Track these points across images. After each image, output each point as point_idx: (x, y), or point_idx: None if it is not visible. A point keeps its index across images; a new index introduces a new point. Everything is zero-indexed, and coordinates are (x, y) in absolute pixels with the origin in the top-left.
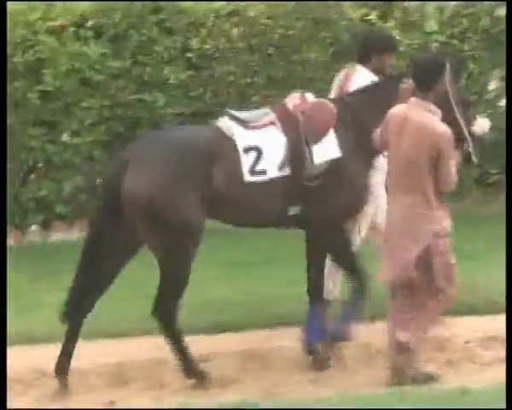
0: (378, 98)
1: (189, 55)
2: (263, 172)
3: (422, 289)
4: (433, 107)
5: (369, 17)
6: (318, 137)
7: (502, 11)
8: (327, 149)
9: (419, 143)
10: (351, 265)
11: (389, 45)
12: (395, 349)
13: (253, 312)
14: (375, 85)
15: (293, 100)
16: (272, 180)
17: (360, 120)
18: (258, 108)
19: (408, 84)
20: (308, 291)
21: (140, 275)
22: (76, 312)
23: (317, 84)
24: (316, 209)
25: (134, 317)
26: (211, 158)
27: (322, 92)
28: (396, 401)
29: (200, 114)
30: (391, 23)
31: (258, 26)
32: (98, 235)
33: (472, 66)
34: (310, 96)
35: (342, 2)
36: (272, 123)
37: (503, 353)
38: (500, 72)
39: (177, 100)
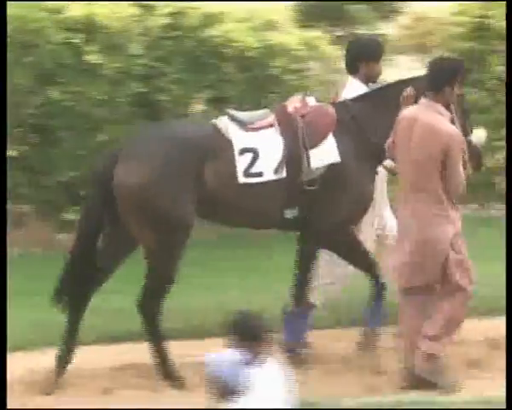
0: (379, 104)
1: None
2: (258, 174)
3: (442, 292)
4: (442, 109)
5: (73, 41)
6: (317, 142)
7: (207, 32)
8: (325, 154)
9: (428, 144)
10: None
11: (375, 52)
12: (421, 358)
13: None
14: (378, 90)
15: (293, 103)
16: (268, 182)
17: (361, 125)
18: None
19: (410, 91)
20: (293, 295)
21: None
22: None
23: (22, 109)
24: (315, 213)
25: None
26: (205, 155)
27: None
28: None
29: None
30: (94, 47)
31: None
32: (90, 229)
33: (176, 88)
34: (311, 100)
35: (44, 25)
36: (271, 125)
37: None
38: (205, 94)
39: None
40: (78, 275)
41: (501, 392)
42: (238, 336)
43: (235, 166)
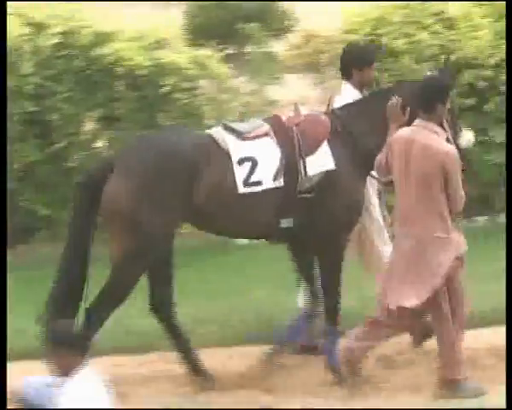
0: (367, 111)
1: None
2: (258, 183)
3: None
4: (438, 128)
5: None
6: (312, 149)
7: (98, 51)
8: (320, 161)
9: (427, 165)
10: (332, 283)
11: (368, 58)
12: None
13: None
14: (364, 99)
15: (287, 113)
16: (266, 191)
17: (352, 132)
18: None
19: (395, 100)
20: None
21: None
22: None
23: None
24: (310, 221)
25: None
26: (201, 167)
27: None
28: None
29: None
30: None
31: None
32: (77, 238)
33: (67, 107)
34: (303, 110)
35: None
36: (266, 134)
37: None
38: (96, 113)
39: None
40: (71, 287)
41: None
42: (53, 347)
43: (234, 177)
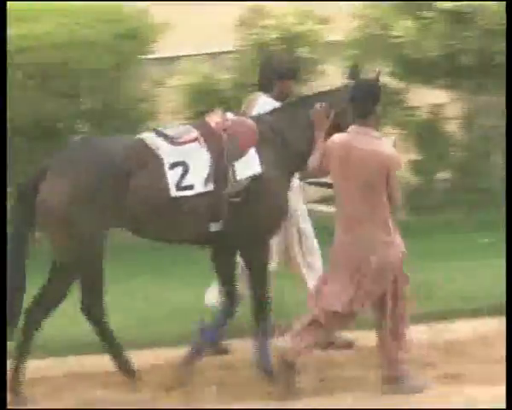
0: (294, 116)
1: None
2: (190, 187)
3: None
4: (375, 132)
5: None
6: (240, 154)
7: None
8: (248, 166)
9: (371, 170)
10: (260, 283)
11: (290, 71)
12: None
13: None
14: (290, 103)
15: (214, 118)
16: (197, 196)
17: (279, 137)
18: None
19: (319, 105)
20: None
21: None
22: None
23: None
24: (238, 225)
25: None
26: (133, 171)
27: None
28: None
29: None
30: None
31: None
32: (19, 245)
33: None
34: (230, 115)
35: None
36: (196, 140)
37: None
38: None
39: None
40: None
41: None
42: None
43: (166, 180)
